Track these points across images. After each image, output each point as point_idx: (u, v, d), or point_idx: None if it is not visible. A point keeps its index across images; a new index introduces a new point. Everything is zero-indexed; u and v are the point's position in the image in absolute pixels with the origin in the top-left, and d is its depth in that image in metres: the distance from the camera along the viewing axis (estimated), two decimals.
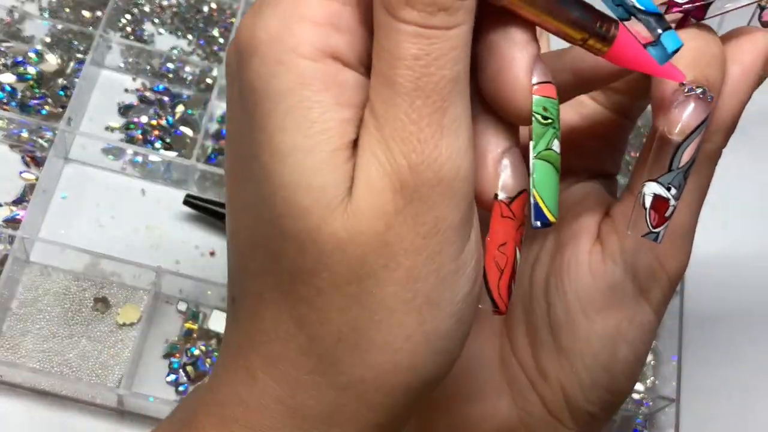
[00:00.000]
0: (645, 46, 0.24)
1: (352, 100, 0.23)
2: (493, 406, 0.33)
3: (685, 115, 0.26)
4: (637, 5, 0.24)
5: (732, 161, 0.69)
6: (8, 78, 0.60)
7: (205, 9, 0.66)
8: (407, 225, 0.23)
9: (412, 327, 0.24)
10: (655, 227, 0.26)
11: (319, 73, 0.23)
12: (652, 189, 0.26)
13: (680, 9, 0.27)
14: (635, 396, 0.57)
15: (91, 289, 0.54)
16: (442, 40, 0.22)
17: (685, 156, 0.26)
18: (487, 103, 0.25)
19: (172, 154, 0.59)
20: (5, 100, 0.59)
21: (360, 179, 0.23)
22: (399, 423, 0.26)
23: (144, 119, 0.60)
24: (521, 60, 0.24)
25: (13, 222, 0.55)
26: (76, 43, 0.62)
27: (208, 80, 0.62)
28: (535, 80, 0.24)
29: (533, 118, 0.24)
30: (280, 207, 0.23)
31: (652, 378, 0.59)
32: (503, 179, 0.25)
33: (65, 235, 0.56)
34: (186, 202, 0.57)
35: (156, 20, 0.65)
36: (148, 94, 0.62)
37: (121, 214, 0.57)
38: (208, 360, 0.54)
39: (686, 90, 0.26)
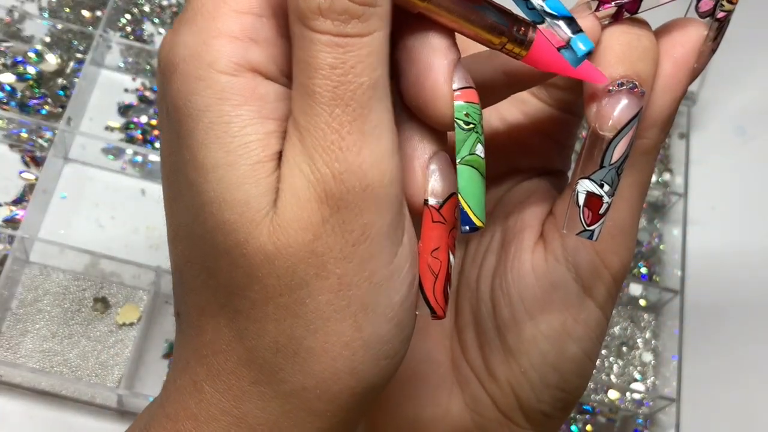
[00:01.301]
0: (558, 49, 0.24)
1: (275, 112, 0.23)
2: (445, 408, 0.33)
3: (616, 111, 0.25)
4: (547, 9, 0.24)
5: (732, 161, 0.70)
6: (8, 78, 0.60)
7: None
8: (335, 234, 0.23)
9: (348, 334, 0.24)
10: (589, 225, 0.26)
11: (237, 87, 0.23)
12: (585, 186, 0.26)
13: (614, 3, 0.26)
14: (635, 396, 0.57)
15: (90, 289, 0.54)
16: (357, 47, 0.22)
17: (617, 152, 0.25)
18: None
19: None
20: (5, 100, 0.59)
21: (285, 191, 0.23)
22: (347, 427, 0.26)
23: (144, 119, 0.60)
24: (441, 67, 0.24)
25: (12, 222, 0.55)
26: (75, 42, 0.62)
27: None
28: (456, 86, 0.24)
29: (456, 124, 0.24)
30: (209, 223, 0.23)
31: (652, 378, 0.59)
32: (432, 184, 0.25)
33: (65, 235, 0.56)
34: None
35: (156, 20, 0.65)
36: (148, 94, 0.62)
37: (121, 214, 0.57)
38: None
39: (617, 85, 0.25)
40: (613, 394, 0.58)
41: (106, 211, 0.57)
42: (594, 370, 0.32)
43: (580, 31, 0.24)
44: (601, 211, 0.26)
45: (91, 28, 0.62)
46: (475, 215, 0.25)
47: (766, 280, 0.63)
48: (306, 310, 0.24)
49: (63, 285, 0.54)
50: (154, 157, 0.58)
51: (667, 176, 0.66)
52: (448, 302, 0.26)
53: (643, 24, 0.27)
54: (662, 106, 0.27)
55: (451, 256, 0.26)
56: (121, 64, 0.62)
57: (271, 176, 0.23)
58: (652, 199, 0.64)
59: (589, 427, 0.56)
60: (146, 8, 0.65)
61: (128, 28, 0.64)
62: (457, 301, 0.33)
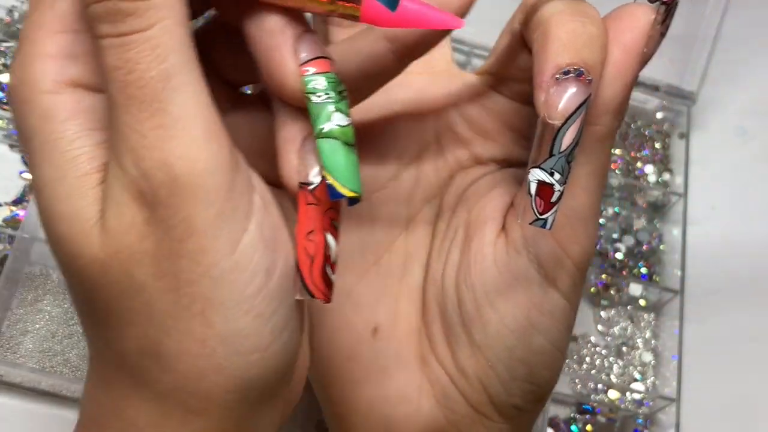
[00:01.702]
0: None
1: (103, 122, 0.24)
2: (416, 406, 0.32)
3: (563, 99, 0.25)
4: None
5: (732, 161, 0.70)
6: (8, 78, 0.60)
7: None
8: (160, 232, 0.23)
9: (201, 331, 0.24)
10: (542, 214, 0.26)
11: (61, 104, 0.24)
12: (536, 176, 0.26)
13: None
14: (635, 396, 0.57)
15: None
16: (138, 43, 0.22)
17: (566, 140, 0.25)
18: None
19: None
20: (5, 100, 0.59)
21: (107, 198, 0.23)
22: (243, 423, 0.25)
23: None
24: (280, 45, 0.24)
25: (13, 222, 0.55)
26: None
27: None
28: (304, 58, 0.24)
29: (306, 98, 0.24)
30: (51, 238, 0.24)
31: (652, 378, 0.59)
32: (303, 166, 0.25)
33: None
34: None
35: None
36: None
37: None
38: None
39: (563, 73, 0.25)
40: (613, 394, 0.58)
41: None
42: (563, 362, 0.32)
43: None
44: (553, 199, 0.26)
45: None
46: (343, 186, 0.24)
47: (766, 280, 0.63)
48: (154, 312, 0.23)
49: (63, 285, 0.54)
50: None
51: (667, 176, 0.66)
52: (332, 285, 0.25)
53: (590, 10, 0.27)
54: (613, 92, 0.27)
55: (329, 237, 0.25)
56: None
57: (97, 186, 0.24)
58: (652, 199, 0.64)
59: (589, 427, 0.56)
60: None
61: None
62: (423, 296, 0.33)
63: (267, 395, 0.26)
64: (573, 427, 0.56)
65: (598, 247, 0.62)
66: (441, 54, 0.34)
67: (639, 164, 0.66)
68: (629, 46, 0.27)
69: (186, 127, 0.23)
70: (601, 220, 0.63)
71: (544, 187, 0.26)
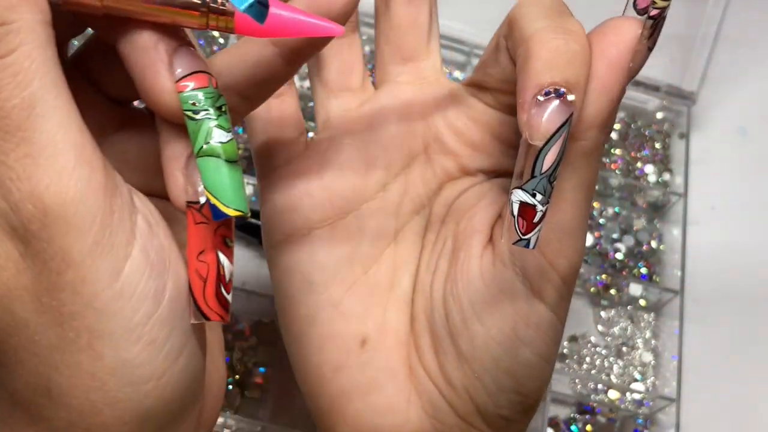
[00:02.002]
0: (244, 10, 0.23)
1: None
2: (405, 417, 0.32)
3: (544, 119, 0.25)
4: None
5: (732, 161, 0.70)
6: None
7: None
8: (37, 266, 0.22)
9: (90, 364, 0.23)
10: (524, 234, 0.26)
11: None
12: (518, 196, 0.26)
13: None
14: (635, 396, 0.57)
15: None
16: None
17: (547, 161, 0.25)
18: None
19: None
20: None
21: None
22: None
23: None
24: (154, 63, 0.23)
25: None
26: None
27: None
28: (180, 74, 0.23)
29: (185, 117, 0.23)
30: None
31: (652, 378, 0.59)
32: (190, 185, 0.24)
33: None
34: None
35: None
36: None
37: None
38: None
39: (545, 93, 0.25)
40: (613, 394, 0.58)
41: None
42: (551, 373, 0.32)
43: None
44: (536, 219, 0.26)
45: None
46: (226, 206, 0.23)
47: (766, 281, 0.63)
48: (41, 348, 0.23)
49: None
50: None
51: (667, 176, 0.66)
52: (229, 305, 0.25)
53: (574, 25, 0.27)
54: (598, 107, 0.27)
55: (221, 257, 0.24)
56: None
57: None
58: (652, 199, 0.64)
59: (589, 427, 0.56)
60: None
61: None
62: (412, 308, 0.33)
63: (169, 423, 0.25)
64: (573, 427, 0.56)
65: (597, 247, 0.62)
66: (430, 64, 0.34)
67: (639, 164, 0.66)
68: (614, 61, 0.26)
69: (53, 154, 0.22)
70: (601, 220, 0.63)
71: (526, 208, 0.26)
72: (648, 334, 0.60)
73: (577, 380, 0.57)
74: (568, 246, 0.29)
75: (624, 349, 0.60)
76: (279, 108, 0.34)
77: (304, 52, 0.27)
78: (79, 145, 0.22)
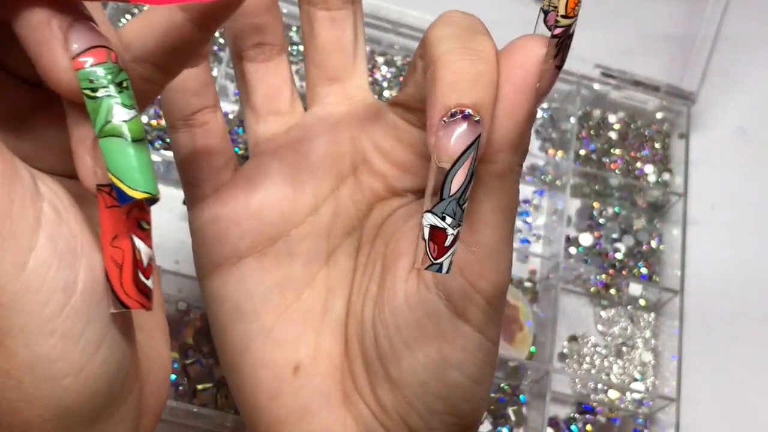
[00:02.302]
0: None
1: None
2: None
3: (450, 141, 0.25)
4: None
5: (732, 161, 0.70)
6: None
7: None
8: None
9: (3, 362, 0.22)
10: (436, 258, 0.26)
11: None
12: (428, 220, 0.25)
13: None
14: (635, 396, 0.57)
15: None
16: None
17: (455, 183, 0.25)
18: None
19: (172, 154, 0.59)
20: None
21: None
22: None
23: (144, 119, 0.60)
24: (48, 40, 0.22)
25: None
26: None
27: None
28: (76, 50, 0.22)
29: (84, 96, 0.22)
30: None
31: (652, 378, 0.59)
32: (99, 167, 0.23)
33: None
34: (186, 202, 0.57)
35: None
36: None
37: None
38: (209, 360, 0.54)
39: (450, 115, 0.25)
40: (612, 394, 0.58)
41: None
42: (486, 393, 0.31)
43: None
44: (447, 243, 0.25)
45: None
46: (130, 187, 0.22)
47: (766, 280, 0.63)
48: None
49: None
50: (155, 157, 0.58)
51: (666, 176, 0.66)
52: (150, 291, 0.24)
53: (482, 45, 0.26)
54: (507, 129, 0.26)
55: (137, 240, 0.23)
56: None
57: None
58: (651, 199, 0.64)
59: (589, 427, 0.56)
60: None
61: None
62: (346, 331, 0.33)
63: (94, 416, 0.24)
64: (573, 427, 0.56)
65: (597, 247, 0.62)
66: (357, 83, 0.33)
67: (639, 164, 0.66)
68: (520, 83, 0.26)
69: None
70: (601, 220, 0.63)
71: (436, 232, 0.25)
72: (648, 334, 0.60)
73: (577, 380, 0.57)
74: (489, 268, 0.28)
75: (624, 348, 0.60)
76: (204, 138, 0.33)
77: (214, 16, 0.26)
78: None
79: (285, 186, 0.33)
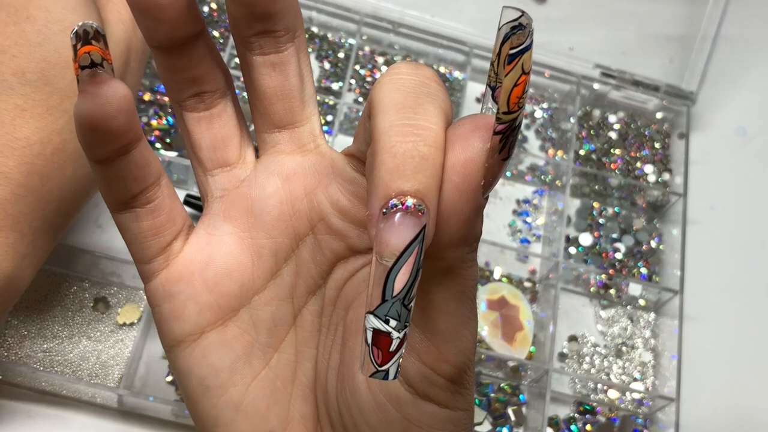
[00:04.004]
0: None
1: None
2: None
3: (391, 235, 0.22)
4: None
5: (732, 161, 0.70)
6: None
7: (206, 9, 0.66)
8: None
9: None
10: (381, 365, 0.23)
11: None
12: (371, 323, 0.23)
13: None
14: (635, 396, 0.57)
15: (91, 290, 0.54)
16: None
17: (398, 283, 0.22)
18: None
19: (172, 154, 0.59)
20: None
21: None
22: None
23: (144, 119, 0.60)
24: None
25: None
26: None
27: None
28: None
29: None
30: None
31: (652, 378, 0.59)
32: None
33: (65, 235, 0.56)
34: (186, 202, 0.57)
35: None
36: (147, 96, 0.62)
37: None
38: None
39: (390, 205, 0.22)
40: (612, 394, 0.58)
41: (105, 211, 0.57)
42: None
43: None
44: (392, 348, 0.23)
45: None
46: None
47: (766, 280, 0.63)
48: None
49: (63, 285, 0.54)
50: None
51: (666, 176, 0.66)
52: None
53: (426, 122, 0.24)
54: (453, 228, 0.24)
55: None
56: None
57: None
58: (651, 199, 0.64)
59: (588, 427, 0.56)
60: None
61: None
62: (315, 396, 0.32)
63: None
64: (573, 427, 0.56)
65: (597, 247, 0.62)
66: (307, 129, 0.31)
67: (639, 164, 0.66)
68: (463, 183, 0.24)
69: None
70: (600, 220, 0.63)
71: (380, 336, 0.23)
72: (647, 334, 0.60)
73: (576, 380, 0.58)
74: (448, 351, 0.27)
75: (624, 348, 0.60)
76: (149, 217, 0.30)
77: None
78: None
79: (241, 253, 0.31)
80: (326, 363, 0.31)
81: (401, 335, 0.23)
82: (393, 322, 0.23)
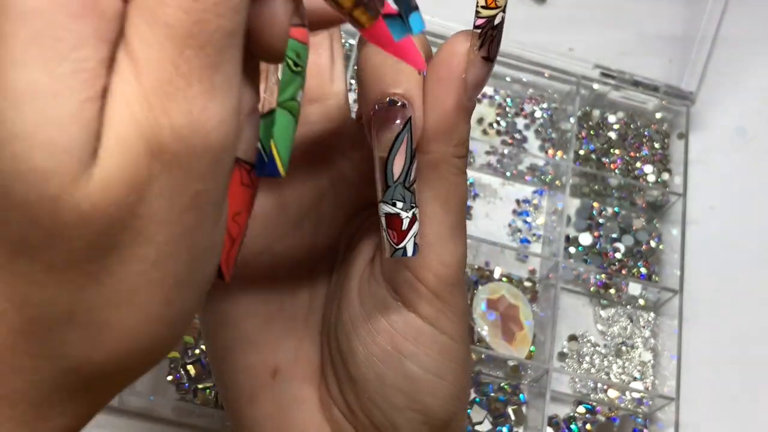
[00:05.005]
0: (385, 17, 0.22)
1: (109, 33, 0.18)
2: None
3: (381, 129, 0.26)
4: None
5: (732, 161, 0.70)
6: None
7: None
8: (163, 197, 0.19)
9: (155, 310, 0.20)
10: (398, 244, 0.27)
11: None
12: (382, 210, 0.27)
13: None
14: (635, 395, 0.58)
15: None
16: None
17: (396, 168, 0.26)
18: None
19: None
20: None
21: (110, 138, 0.18)
22: (110, 397, 0.23)
23: None
24: (277, 3, 0.21)
25: None
26: None
27: None
28: (293, 22, 0.22)
29: (285, 63, 0.23)
30: (10, 165, 0.18)
31: (652, 378, 0.59)
32: (245, 143, 0.22)
33: None
34: None
35: None
36: None
37: None
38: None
39: (377, 105, 0.26)
40: (612, 393, 0.58)
41: None
42: (457, 391, 0.31)
43: (416, 9, 0.23)
44: (404, 227, 0.26)
45: None
46: (281, 163, 0.24)
47: (766, 280, 0.63)
48: (114, 280, 0.20)
49: None
50: None
51: (666, 176, 0.66)
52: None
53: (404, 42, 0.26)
54: (436, 119, 0.27)
55: (248, 220, 0.24)
56: None
57: (97, 118, 0.18)
58: (651, 199, 0.64)
59: (588, 426, 0.56)
60: None
61: None
62: (321, 338, 0.33)
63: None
64: (573, 426, 0.56)
65: (597, 246, 0.62)
66: (335, 103, 0.33)
67: (638, 164, 0.66)
68: (444, 72, 0.26)
69: (229, 93, 0.20)
70: (600, 220, 0.63)
71: (392, 218, 0.26)
72: (647, 334, 0.60)
73: (576, 379, 0.58)
74: (431, 259, 0.28)
75: (623, 348, 0.60)
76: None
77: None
78: (241, 91, 0.21)
79: (269, 200, 0.32)
80: (330, 303, 0.32)
81: (410, 215, 0.26)
82: (399, 204, 0.26)
